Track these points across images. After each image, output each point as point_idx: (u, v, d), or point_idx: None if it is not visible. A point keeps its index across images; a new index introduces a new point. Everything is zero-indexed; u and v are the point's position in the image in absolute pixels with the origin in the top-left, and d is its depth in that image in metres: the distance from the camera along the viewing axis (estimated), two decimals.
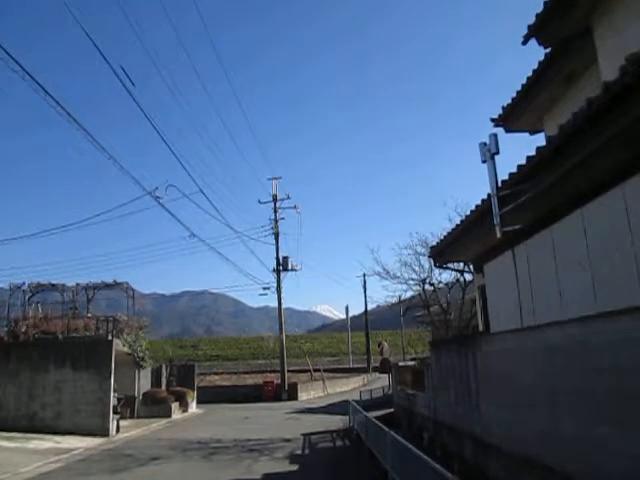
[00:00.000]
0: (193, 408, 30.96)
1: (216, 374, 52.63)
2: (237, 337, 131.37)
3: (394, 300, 28.19)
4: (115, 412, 20.57)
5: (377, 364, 41.86)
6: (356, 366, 65.28)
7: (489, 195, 8.38)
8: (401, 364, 26.16)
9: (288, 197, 40.31)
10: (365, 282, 60.86)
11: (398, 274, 26.18)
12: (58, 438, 18.34)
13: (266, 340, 79.50)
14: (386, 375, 29.02)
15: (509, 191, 7.87)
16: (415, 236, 26.45)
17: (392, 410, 22.36)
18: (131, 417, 25.00)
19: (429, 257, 18.26)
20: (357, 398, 25.67)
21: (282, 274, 39.36)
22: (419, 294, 26.24)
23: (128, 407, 24.49)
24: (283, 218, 40.51)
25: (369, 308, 67.39)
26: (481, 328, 13.11)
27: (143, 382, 26.90)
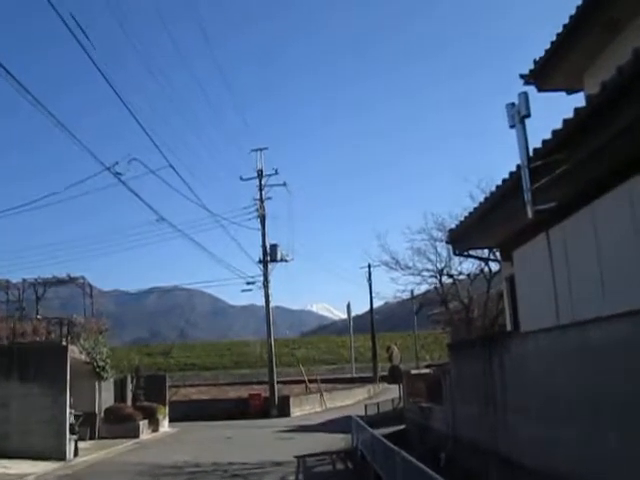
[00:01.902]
0: (165, 427, 31.17)
1: (192, 386, 52.79)
2: (217, 342, 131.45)
3: (405, 295, 28.44)
4: (72, 432, 20.68)
5: (385, 373, 42.07)
6: (360, 375, 65.72)
7: (518, 167, 8.39)
8: (414, 372, 26.29)
9: (276, 172, 40.27)
10: (370, 274, 60.96)
11: (410, 264, 26.34)
12: (6, 462, 18.42)
13: (252, 345, 79.74)
14: (396, 386, 29.22)
15: (542, 162, 7.88)
16: (430, 218, 26.54)
17: (403, 427, 22.55)
18: (92, 438, 25.18)
19: (447, 243, 18.30)
20: (362, 413, 25.84)
21: (270, 266, 39.46)
22: (435, 288, 26.40)
23: (88, 426, 24.63)
24: (270, 198, 40.55)
25: (375, 306, 67.79)
26: (509, 327, 13.22)
27: (105, 396, 27.05)
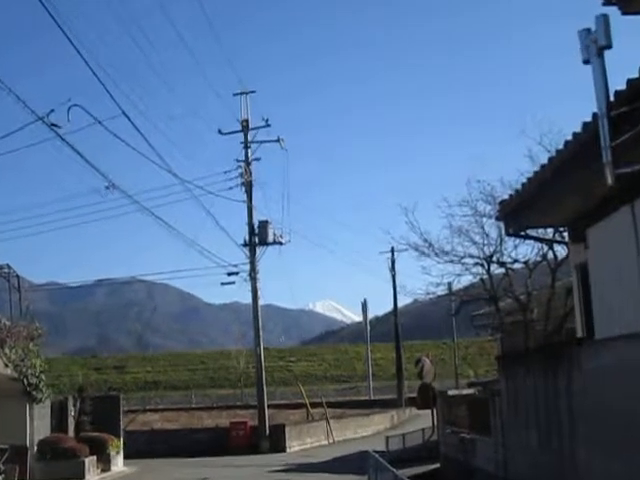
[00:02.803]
0: (119, 465, 31.40)
1: (155, 411, 53.21)
2: (187, 352, 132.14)
3: (441, 291, 28.35)
4: None
5: (414, 394, 42.22)
6: (380, 398, 66.10)
7: (595, 116, 8.33)
8: (452, 393, 26.39)
9: (267, 124, 40.13)
10: (394, 261, 61.05)
11: (448, 248, 26.30)
12: None
13: (234, 357, 79.72)
14: (428, 411, 29.35)
15: (627, 109, 7.83)
16: (475, 186, 26.26)
17: (437, 466, 22.70)
18: (22, 479, 25.32)
19: (497, 219, 18.21)
20: (382, 448, 25.99)
21: (259, 250, 39.55)
22: (481, 280, 26.38)
23: (16, 463, 24.77)
24: (259, 159, 40.49)
25: (401, 305, 67.78)
26: (580, 333, 13.22)
27: (39, 424, 27.19)
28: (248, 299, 40.56)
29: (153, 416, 48.46)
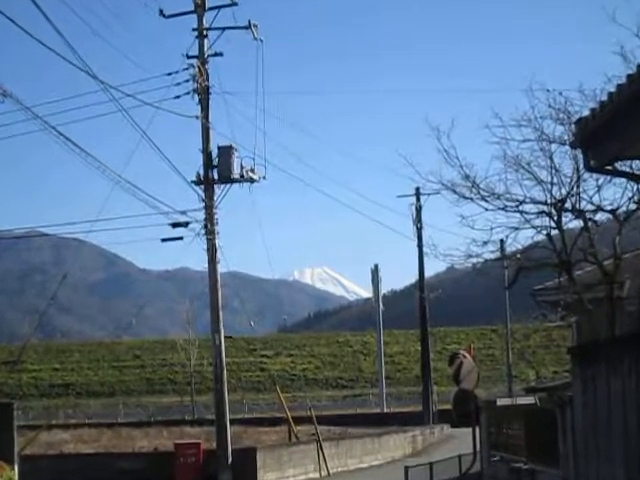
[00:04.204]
0: None
1: (66, 427, 53.43)
2: (113, 342, 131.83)
3: (488, 253, 28.40)
4: None
5: (448, 404, 42.48)
6: (398, 410, 66.70)
7: None
8: (503, 403, 26.59)
9: (233, 1, 39.73)
10: (419, 209, 61.19)
11: (498, 188, 26.32)
12: None
13: (180, 349, 79.80)
14: (467, 429, 29.56)
15: None
16: (540, 97, 25.97)
17: None
18: None
19: (573, 147, 18.16)
20: None
21: (218, 190, 39.34)
22: (548, 237, 26.45)
23: None
24: (220, 54, 40.14)
25: (429, 273, 67.75)
26: None
27: None
28: (202, 264, 40.50)
29: (62, 434, 48.68)
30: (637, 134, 13.10)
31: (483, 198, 26.36)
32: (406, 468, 29.49)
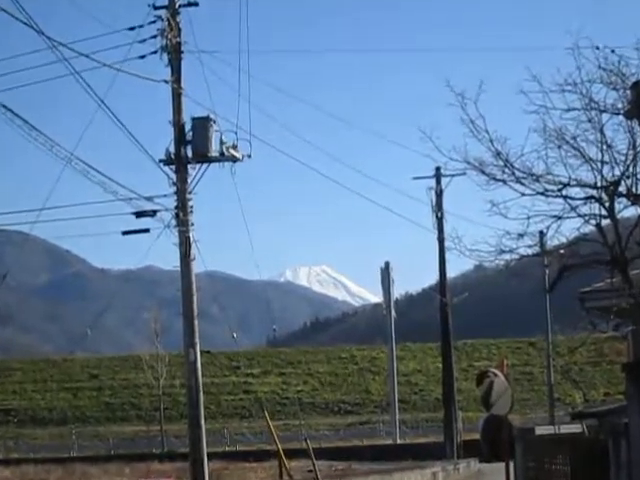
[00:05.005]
0: None
1: (6, 463, 53.51)
2: (64, 358, 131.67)
3: (524, 248, 28.42)
4: None
5: (476, 434, 42.59)
6: (414, 441, 66.84)
7: None
8: (542, 431, 26.63)
9: None
10: (440, 194, 61.39)
11: (537, 168, 26.29)
12: None
13: (147, 367, 79.76)
14: (500, 465, 29.62)
15: None
16: (589, 57, 25.88)
17: None
18: None
19: (628, 117, 18.20)
20: None
21: (192, 171, 39.38)
22: (597, 227, 26.47)
23: None
24: (195, 4, 40.12)
25: (452, 273, 67.76)
26: None
27: None
28: (173, 262, 40.67)
29: (1, 472, 48.82)
30: None
31: (518, 180, 26.30)
32: None
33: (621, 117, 22.71)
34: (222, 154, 39.55)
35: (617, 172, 25.15)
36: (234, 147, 40.04)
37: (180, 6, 39.59)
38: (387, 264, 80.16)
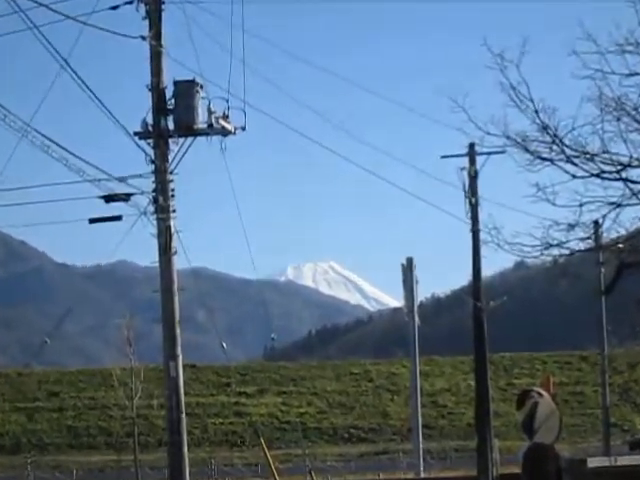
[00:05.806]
0: None
1: None
2: (18, 372, 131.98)
3: (574, 243, 28.68)
4: None
5: (516, 465, 42.98)
6: (441, 476, 67.33)
7: None
8: (595, 462, 27.04)
9: None
10: (475, 176, 61.84)
11: (592, 146, 26.55)
12: None
13: (118, 382, 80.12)
14: None
15: None
16: None
17: None
18: None
19: None
20: None
21: (174, 146, 39.65)
22: None
23: None
24: None
25: (488, 271, 68.05)
26: None
27: None
28: (150, 257, 41.02)
29: None
30: None
31: (569, 159, 26.52)
32: None
33: None
34: (210, 125, 39.69)
35: None
36: (225, 117, 40.18)
37: None
38: (410, 260, 79.89)
